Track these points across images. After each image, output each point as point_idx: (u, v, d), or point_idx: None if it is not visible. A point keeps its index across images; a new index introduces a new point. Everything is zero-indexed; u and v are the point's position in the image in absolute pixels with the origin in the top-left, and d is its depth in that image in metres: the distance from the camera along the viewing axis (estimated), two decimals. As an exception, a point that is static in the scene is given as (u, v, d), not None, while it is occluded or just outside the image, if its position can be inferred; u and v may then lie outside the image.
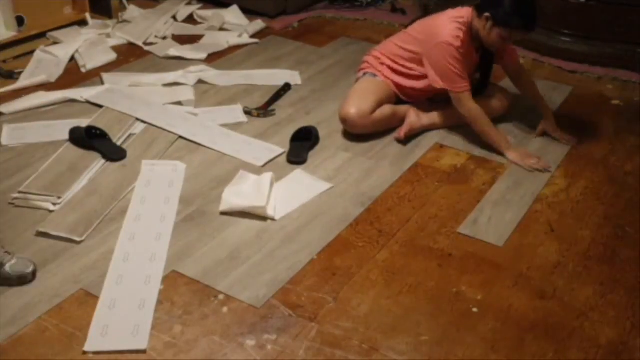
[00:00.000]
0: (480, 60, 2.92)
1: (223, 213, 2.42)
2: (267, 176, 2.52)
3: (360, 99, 2.84)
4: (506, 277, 2.19)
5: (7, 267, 2.02)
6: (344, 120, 2.85)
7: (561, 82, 3.55)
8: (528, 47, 3.87)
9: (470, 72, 2.87)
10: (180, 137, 2.87)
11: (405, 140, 2.87)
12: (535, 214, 2.50)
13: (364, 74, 2.99)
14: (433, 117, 2.96)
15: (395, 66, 2.94)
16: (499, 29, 2.67)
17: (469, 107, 2.79)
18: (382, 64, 2.97)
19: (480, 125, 2.80)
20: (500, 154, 2.80)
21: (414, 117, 2.90)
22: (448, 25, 2.76)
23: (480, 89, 2.99)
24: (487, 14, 2.67)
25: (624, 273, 2.22)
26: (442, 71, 2.76)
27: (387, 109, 2.89)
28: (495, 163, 2.80)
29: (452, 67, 2.73)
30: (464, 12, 2.78)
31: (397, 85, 2.95)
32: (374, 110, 2.83)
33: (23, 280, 2.03)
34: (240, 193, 2.48)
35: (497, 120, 2.97)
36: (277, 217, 2.41)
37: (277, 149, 2.80)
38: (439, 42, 2.74)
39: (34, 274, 2.06)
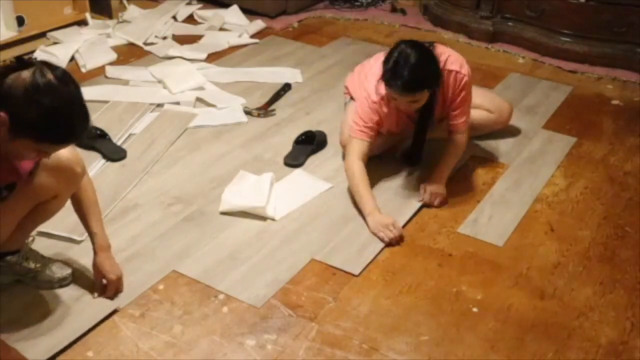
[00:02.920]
0: (418, 118, 2.58)
1: (223, 213, 2.42)
2: (267, 176, 2.52)
3: None
4: (506, 277, 2.19)
5: (47, 270, 2.05)
6: (346, 147, 2.66)
7: (561, 82, 3.55)
8: (528, 47, 3.88)
9: (403, 129, 2.66)
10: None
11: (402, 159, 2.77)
12: (535, 214, 2.50)
13: (350, 98, 2.84)
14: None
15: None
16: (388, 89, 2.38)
17: (351, 159, 2.47)
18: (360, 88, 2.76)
19: (353, 184, 2.46)
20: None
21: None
22: (373, 82, 2.49)
23: (413, 152, 2.71)
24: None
25: (624, 273, 2.22)
26: (353, 117, 2.55)
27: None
28: (495, 163, 2.80)
29: (361, 114, 2.49)
30: None
31: None
32: None
33: (64, 282, 2.05)
34: (240, 193, 2.48)
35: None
36: (277, 217, 2.41)
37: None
38: (361, 95, 2.55)
39: (73, 275, 2.08)
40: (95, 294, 2.01)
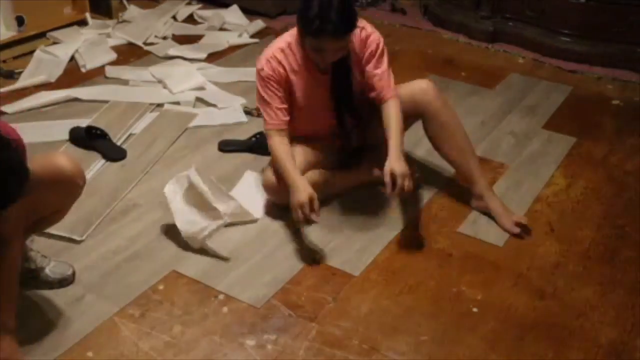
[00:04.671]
0: (333, 82, 2.36)
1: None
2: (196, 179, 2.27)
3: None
4: (506, 277, 2.19)
5: (47, 271, 2.05)
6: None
7: (561, 82, 3.55)
8: (528, 47, 3.88)
9: (318, 100, 2.38)
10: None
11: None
12: (535, 214, 2.50)
13: None
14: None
15: None
16: (307, 37, 2.20)
17: (270, 143, 2.31)
18: None
19: (279, 165, 2.27)
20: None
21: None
22: (267, 49, 2.33)
23: (341, 128, 2.49)
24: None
25: (624, 273, 2.22)
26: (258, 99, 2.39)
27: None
28: (495, 163, 2.79)
29: (261, 97, 2.32)
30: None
31: None
32: None
33: (64, 282, 2.05)
34: (193, 221, 2.26)
35: (488, 120, 2.96)
36: (258, 215, 2.39)
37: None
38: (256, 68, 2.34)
39: (73, 275, 2.08)
40: None
